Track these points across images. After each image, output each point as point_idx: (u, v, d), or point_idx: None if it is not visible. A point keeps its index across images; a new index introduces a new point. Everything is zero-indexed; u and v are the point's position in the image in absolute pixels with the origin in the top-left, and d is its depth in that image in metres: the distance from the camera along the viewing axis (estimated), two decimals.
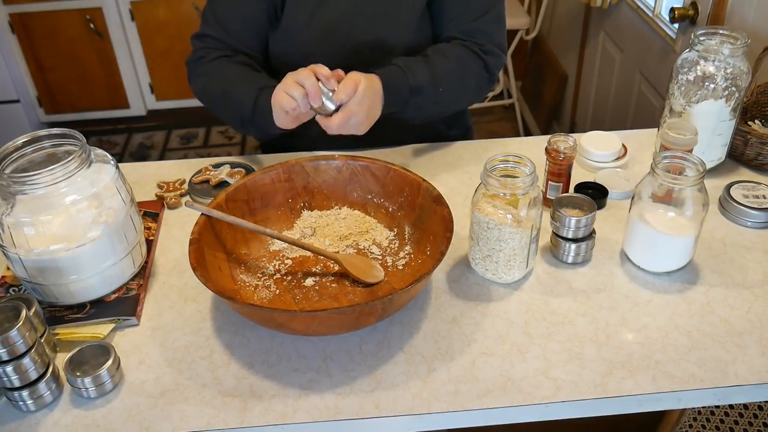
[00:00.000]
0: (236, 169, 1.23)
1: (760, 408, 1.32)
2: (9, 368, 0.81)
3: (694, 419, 1.35)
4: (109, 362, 0.86)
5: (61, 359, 0.88)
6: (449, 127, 1.41)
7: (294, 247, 1.05)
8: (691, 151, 1.08)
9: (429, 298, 0.99)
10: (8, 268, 1.03)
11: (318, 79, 1.05)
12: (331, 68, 1.24)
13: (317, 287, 0.98)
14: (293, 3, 1.22)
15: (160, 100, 3.34)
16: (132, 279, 1.01)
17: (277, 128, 1.13)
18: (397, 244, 1.05)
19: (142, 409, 0.85)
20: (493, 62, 1.26)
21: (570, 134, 1.11)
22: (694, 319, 0.95)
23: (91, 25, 3.04)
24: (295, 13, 1.22)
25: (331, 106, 1.05)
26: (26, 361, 0.81)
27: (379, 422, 0.84)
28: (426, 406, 0.84)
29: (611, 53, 2.38)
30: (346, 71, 1.28)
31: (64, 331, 0.94)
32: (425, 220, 1.02)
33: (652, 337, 0.92)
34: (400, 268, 1.01)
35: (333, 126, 1.06)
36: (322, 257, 1.03)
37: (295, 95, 1.05)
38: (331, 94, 1.05)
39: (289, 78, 1.07)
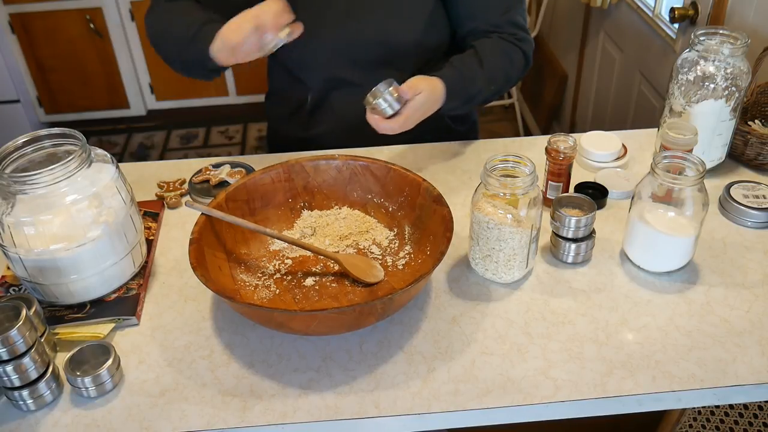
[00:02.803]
0: (236, 169, 1.23)
1: (760, 408, 1.32)
2: (9, 368, 0.81)
3: (694, 419, 1.35)
4: (109, 362, 0.86)
5: (61, 359, 0.88)
6: (455, 122, 1.41)
7: (294, 246, 1.05)
8: (691, 151, 1.08)
9: (429, 298, 0.99)
10: (8, 268, 1.03)
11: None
12: (339, 61, 1.23)
13: (317, 287, 0.99)
14: None
15: (160, 100, 3.35)
16: (132, 279, 1.01)
17: (212, 61, 1.12)
18: (397, 244, 1.05)
19: (142, 409, 0.85)
20: (528, 48, 1.29)
21: (570, 134, 1.11)
22: (694, 319, 0.95)
23: (91, 25, 3.04)
24: (302, 5, 1.21)
25: (390, 112, 1.08)
26: (26, 360, 0.81)
27: (379, 422, 0.84)
28: (426, 406, 0.84)
29: (611, 53, 2.38)
30: (356, 68, 1.28)
31: (64, 331, 0.94)
32: (425, 220, 1.02)
33: (652, 337, 0.92)
34: (400, 268, 1.01)
35: (385, 129, 1.09)
36: (322, 257, 1.03)
37: (246, 27, 1.05)
38: (391, 100, 1.07)
39: (248, 12, 1.06)
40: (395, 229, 1.07)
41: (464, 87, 1.19)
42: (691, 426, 1.36)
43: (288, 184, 1.09)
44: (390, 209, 1.09)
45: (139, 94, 3.30)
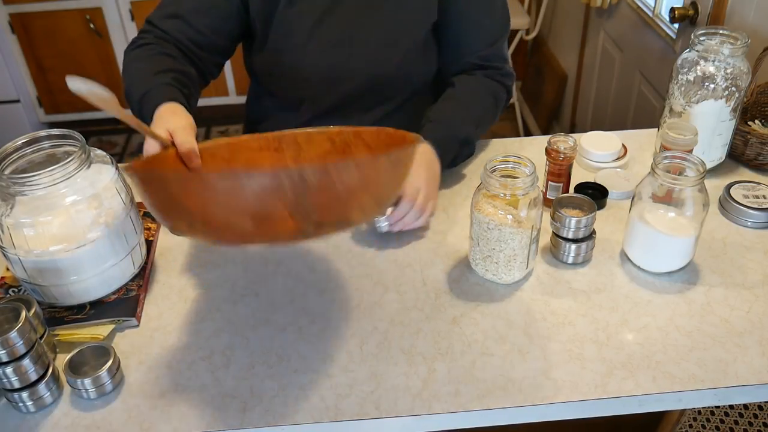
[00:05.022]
0: None
1: (760, 408, 1.32)
2: (9, 369, 0.81)
3: (694, 419, 1.35)
4: (109, 363, 0.86)
5: (61, 360, 0.88)
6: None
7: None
8: (691, 151, 1.08)
9: (429, 299, 0.99)
10: (8, 269, 1.03)
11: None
12: (325, 93, 1.21)
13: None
14: (286, 22, 1.19)
15: None
16: (132, 280, 1.01)
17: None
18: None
19: (142, 410, 0.85)
20: (510, 82, 1.29)
21: (570, 134, 1.11)
22: (695, 320, 0.95)
23: (91, 25, 3.04)
24: (288, 32, 1.20)
25: (386, 227, 1.07)
26: (26, 362, 0.81)
27: (380, 423, 0.84)
28: (426, 407, 0.84)
29: (611, 53, 2.38)
30: (343, 99, 1.26)
31: (64, 332, 0.93)
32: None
33: (652, 338, 0.92)
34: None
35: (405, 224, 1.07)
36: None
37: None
38: (385, 218, 1.06)
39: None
40: None
41: (452, 134, 1.17)
42: (691, 426, 1.36)
43: (277, 154, 1.02)
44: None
45: None
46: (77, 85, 0.78)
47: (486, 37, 1.26)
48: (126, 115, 0.84)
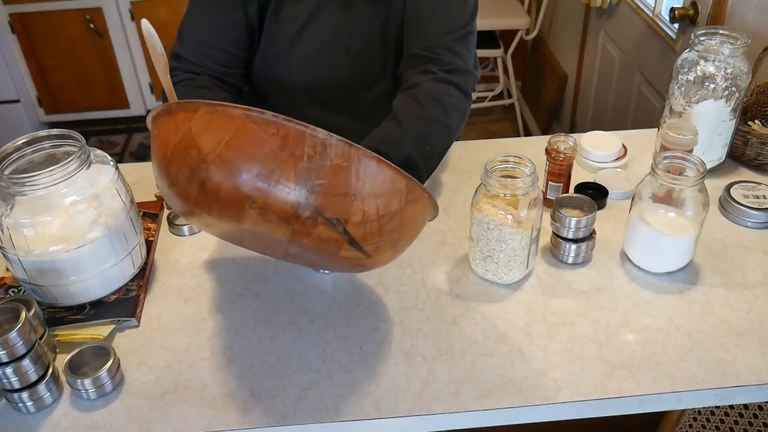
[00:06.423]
0: None
1: (761, 408, 1.32)
2: (9, 370, 0.81)
3: (694, 419, 1.35)
4: (109, 363, 0.86)
5: (61, 361, 0.88)
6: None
7: None
8: (691, 151, 1.08)
9: (429, 299, 0.99)
10: (8, 270, 1.03)
11: None
12: (311, 101, 1.20)
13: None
14: (272, 31, 1.19)
15: (161, 99, 3.34)
16: (132, 280, 1.01)
17: None
18: None
19: (142, 411, 0.85)
20: (463, 81, 1.13)
21: (570, 134, 1.11)
22: (695, 320, 0.95)
23: (91, 25, 3.04)
24: (274, 41, 1.19)
25: None
26: (26, 362, 0.81)
27: (380, 423, 0.84)
28: (426, 407, 0.84)
29: (611, 53, 2.38)
30: (325, 104, 1.26)
31: (64, 333, 0.93)
32: None
33: (652, 338, 0.92)
34: None
35: None
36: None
37: None
38: None
39: None
40: None
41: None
42: (691, 426, 1.36)
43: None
44: None
45: (139, 94, 3.30)
46: (148, 27, 0.81)
47: (436, 28, 1.14)
48: (165, 79, 0.84)
